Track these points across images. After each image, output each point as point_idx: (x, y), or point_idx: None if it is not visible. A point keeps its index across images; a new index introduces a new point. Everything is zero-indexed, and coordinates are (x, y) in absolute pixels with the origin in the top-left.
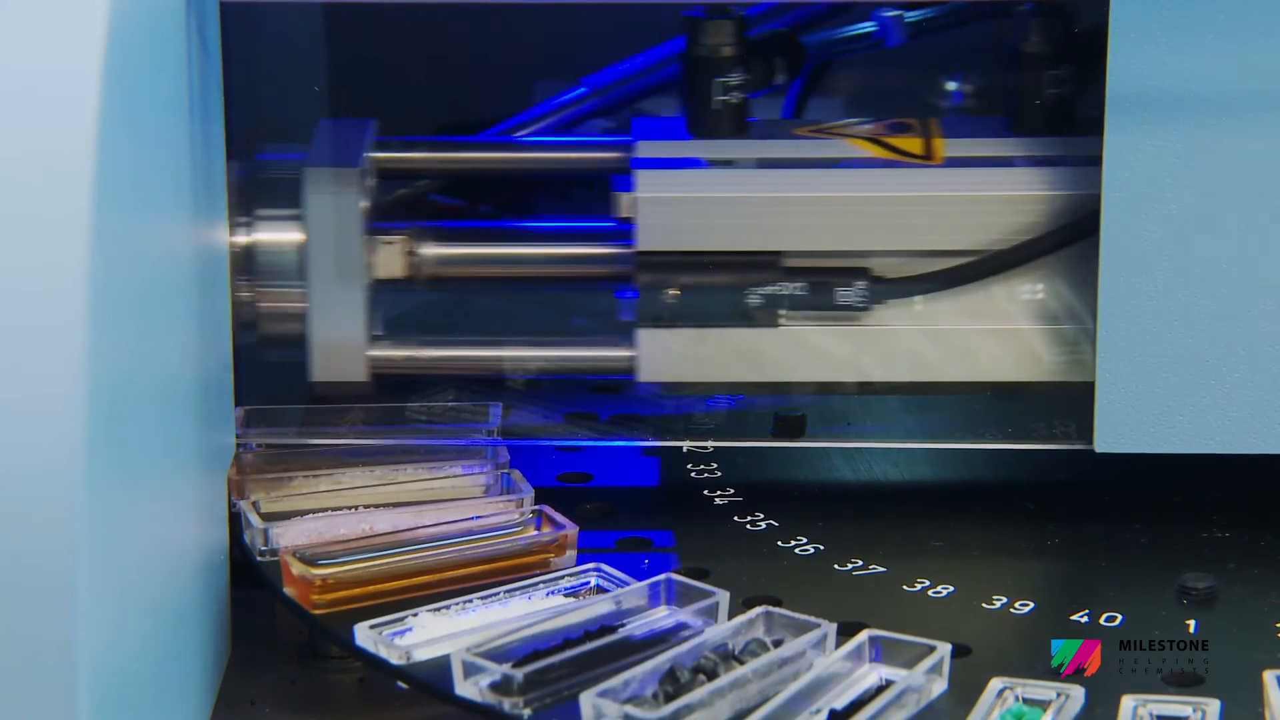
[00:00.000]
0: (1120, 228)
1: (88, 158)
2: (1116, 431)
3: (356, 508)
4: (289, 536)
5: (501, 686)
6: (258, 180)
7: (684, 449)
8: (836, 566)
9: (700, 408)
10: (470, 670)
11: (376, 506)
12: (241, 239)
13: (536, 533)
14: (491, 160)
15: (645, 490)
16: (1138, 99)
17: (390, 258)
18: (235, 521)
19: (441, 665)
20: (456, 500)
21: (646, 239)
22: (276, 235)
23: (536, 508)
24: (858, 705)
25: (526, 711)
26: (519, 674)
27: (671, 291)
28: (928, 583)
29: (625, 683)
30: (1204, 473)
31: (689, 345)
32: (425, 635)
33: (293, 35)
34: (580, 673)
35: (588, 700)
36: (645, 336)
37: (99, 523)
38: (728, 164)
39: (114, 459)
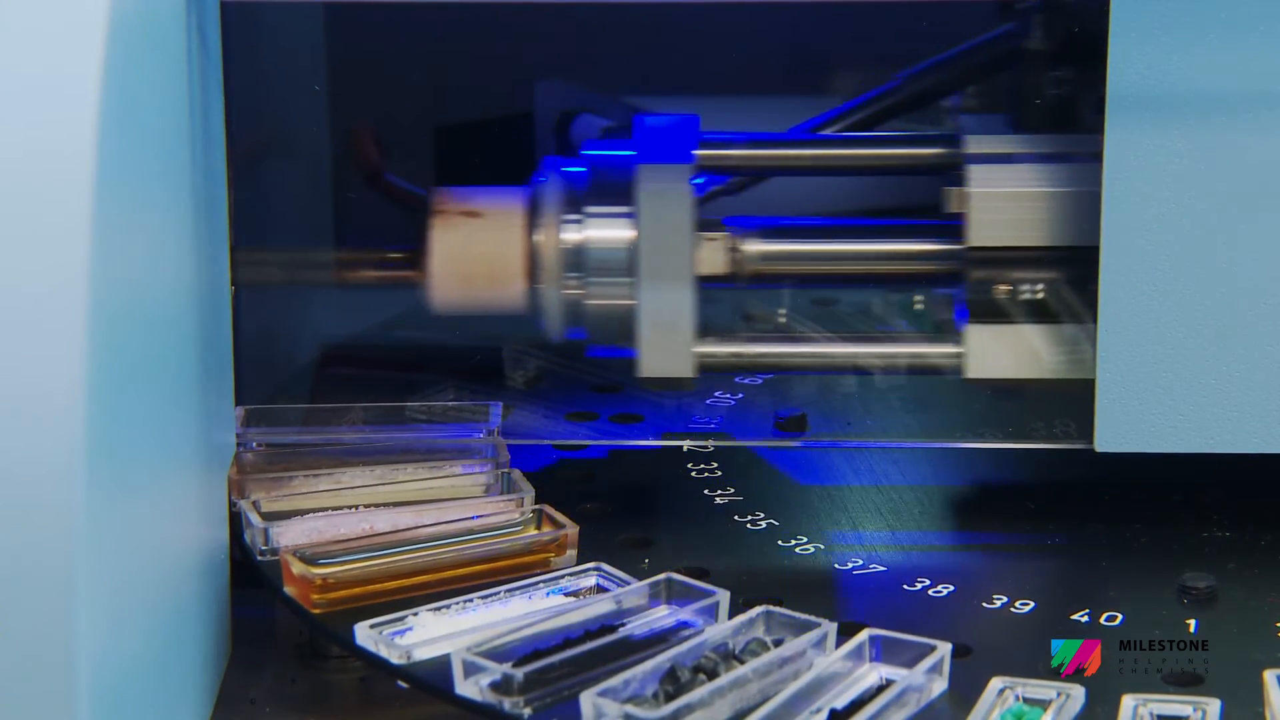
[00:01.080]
0: (1120, 228)
1: (88, 157)
2: (1116, 431)
3: (357, 507)
4: (289, 536)
5: (502, 686)
6: (586, 178)
7: (684, 448)
8: (837, 566)
9: (700, 407)
10: (470, 669)
11: (377, 506)
12: (572, 236)
13: (536, 532)
14: (814, 157)
15: (645, 490)
16: (1138, 99)
17: (713, 254)
18: (235, 521)
19: (442, 664)
20: (456, 500)
21: (978, 234)
22: (607, 232)
23: (536, 507)
24: (858, 705)
25: (527, 711)
26: (519, 673)
27: (1002, 287)
28: (928, 583)
29: (625, 682)
30: (1204, 473)
31: (1018, 342)
32: (425, 635)
33: (293, 35)
34: (580, 672)
35: (588, 700)
36: (974, 333)
37: (99, 522)
38: (1059, 158)
39: (114, 458)
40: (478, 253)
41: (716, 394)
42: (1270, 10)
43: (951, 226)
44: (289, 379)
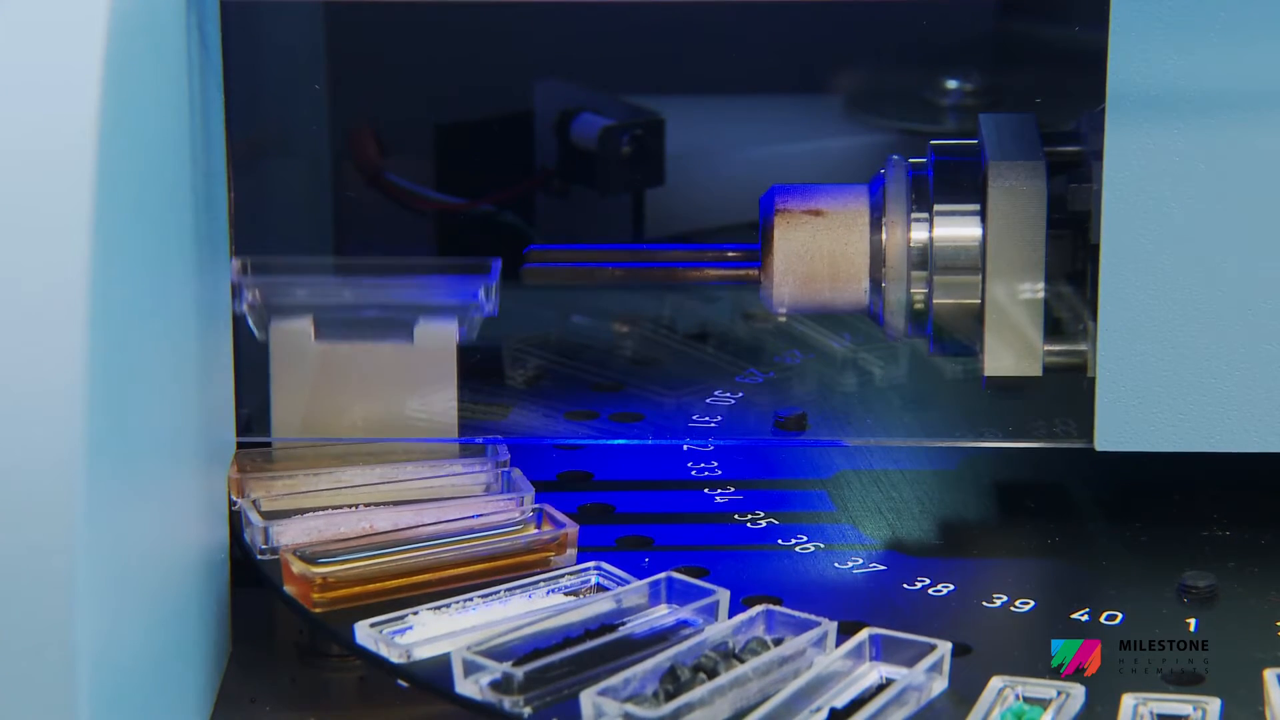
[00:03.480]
0: (1120, 228)
1: (88, 157)
2: (1116, 430)
3: (357, 506)
4: (289, 535)
5: (502, 685)
6: (934, 176)
7: (684, 447)
8: (836, 565)
9: (700, 407)
10: (470, 668)
11: (377, 505)
12: (920, 234)
13: (537, 531)
14: None
15: (645, 489)
16: (1138, 99)
17: (1058, 252)
18: (235, 520)
19: (442, 663)
20: (457, 499)
21: None
22: (955, 230)
23: (536, 506)
24: (858, 704)
25: (527, 710)
26: (519, 672)
27: None
28: (928, 582)
29: (625, 681)
30: (1204, 472)
31: None
32: (426, 633)
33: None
34: (580, 671)
35: (588, 699)
36: None
37: (99, 521)
38: None
39: (114, 457)
40: (821, 252)
41: (716, 394)
42: (1270, 10)
43: None
44: None
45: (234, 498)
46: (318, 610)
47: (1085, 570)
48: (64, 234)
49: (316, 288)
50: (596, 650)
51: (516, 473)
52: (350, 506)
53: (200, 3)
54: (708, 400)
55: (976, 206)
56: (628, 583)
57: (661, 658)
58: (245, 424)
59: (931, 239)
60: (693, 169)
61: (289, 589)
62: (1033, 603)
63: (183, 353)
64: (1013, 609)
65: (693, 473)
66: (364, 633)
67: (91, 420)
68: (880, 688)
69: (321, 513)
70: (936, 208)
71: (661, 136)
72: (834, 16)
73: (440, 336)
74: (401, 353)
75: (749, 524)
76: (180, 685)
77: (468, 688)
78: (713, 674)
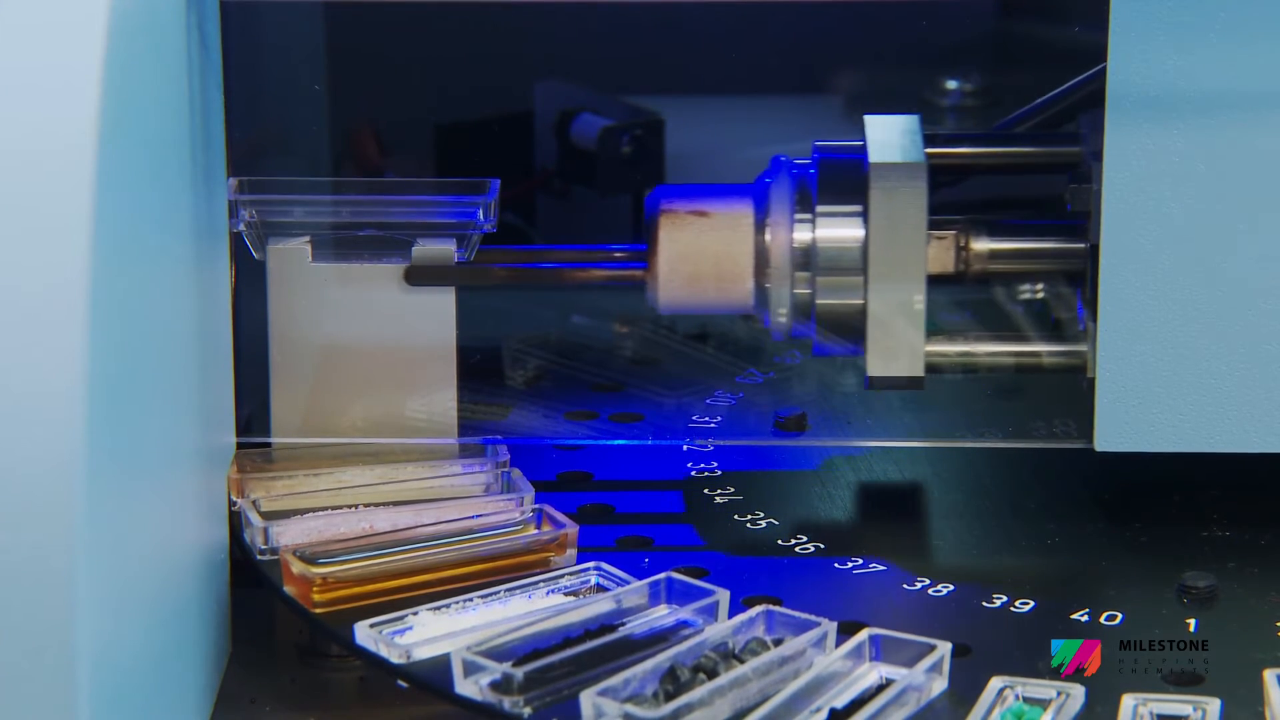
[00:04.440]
0: (1120, 228)
1: (88, 157)
2: (1116, 431)
3: (356, 506)
4: (289, 535)
5: (502, 685)
6: (819, 177)
7: (684, 447)
8: (836, 566)
9: (700, 407)
10: (470, 669)
11: (376, 505)
12: (803, 235)
13: (536, 531)
14: (1044, 154)
15: (645, 489)
16: (1138, 99)
17: (942, 253)
18: (235, 520)
19: (442, 664)
20: (456, 499)
21: None
22: (838, 231)
23: (536, 506)
24: (858, 704)
25: (527, 710)
26: (519, 672)
27: None
28: (928, 582)
29: (625, 681)
30: (1204, 472)
31: None
32: (425, 634)
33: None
34: (580, 671)
35: (588, 699)
36: None
37: (99, 521)
38: None
39: (114, 458)
40: (706, 252)
41: (716, 394)
42: (1270, 10)
43: None
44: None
45: (234, 498)
46: (318, 610)
47: (1085, 570)
48: (64, 234)
49: (313, 207)
50: (596, 650)
51: (516, 473)
52: (350, 507)
53: (200, 3)
54: (708, 400)
55: (859, 208)
56: (628, 583)
57: (661, 658)
58: (245, 424)
59: (814, 240)
60: (693, 169)
61: (289, 589)
62: (1033, 603)
63: (183, 353)
64: (1013, 609)
65: (693, 473)
66: (364, 633)
67: (91, 420)
68: (880, 688)
69: (321, 513)
70: (819, 209)
71: (661, 136)
72: (834, 16)
73: (438, 255)
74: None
75: (749, 524)
76: (180, 685)
77: (468, 688)
78: (713, 674)
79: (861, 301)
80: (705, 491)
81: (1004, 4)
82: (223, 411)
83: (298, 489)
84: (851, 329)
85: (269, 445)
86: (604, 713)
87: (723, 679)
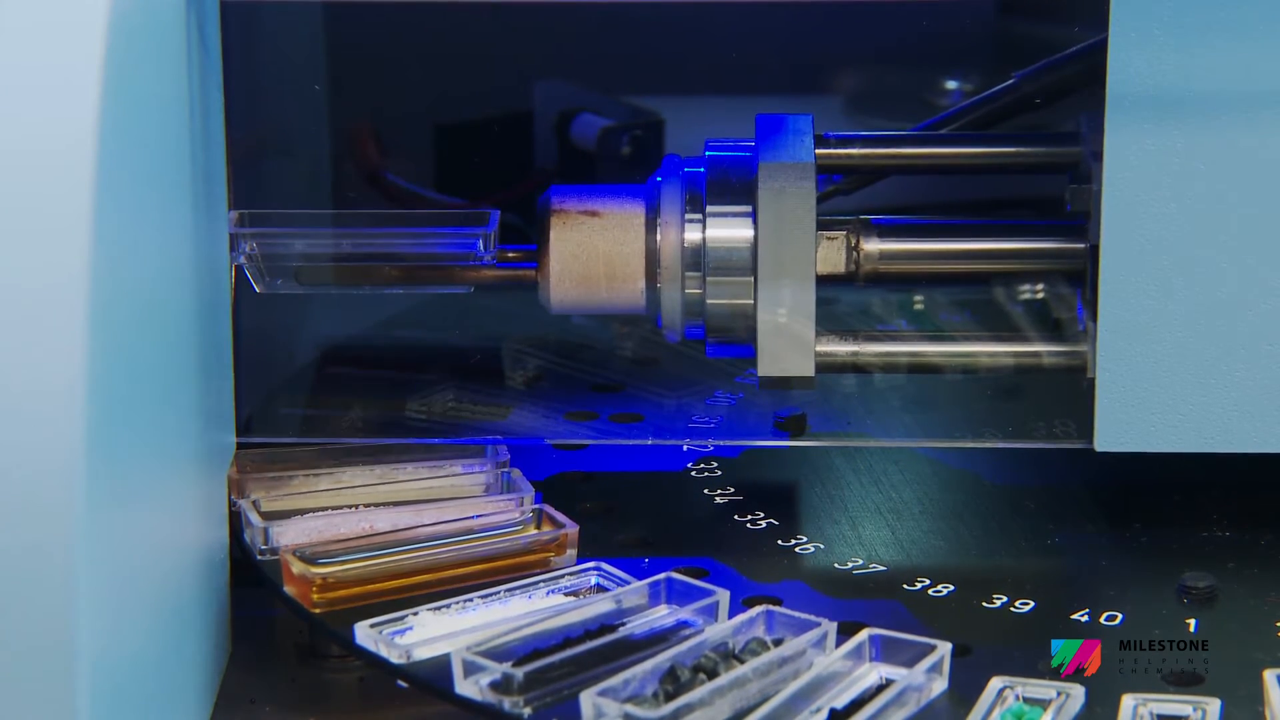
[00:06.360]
0: (1120, 228)
1: (88, 157)
2: (1116, 431)
3: (356, 506)
4: (289, 535)
5: (502, 685)
6: (707, 177)
7: (684, 447)
8: (836, 566)
9: (700, 407)
10: (470, 669)
11: (376, 505)
12: (693, 235)
13: (536, 531)
14: (934, 156)
15: (645, 489)
16: (1138, 99)
17: (833, 253)
18: (235, 520)
19: (442, 664)
20: (456, 499)
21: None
22: (728, 231)
23: (536, 506)
24: (858, 704)
25: (527, 710)
26: (519, 673)
27: None
28: (928, 582)
29: (625, 681)
30: (1204, 472)
31: None
32: (425, 634)
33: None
34: (580, 671)
35: (588, 699)
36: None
37: (99, 522)
38: None
39: (114, 458)
40: (597, 252)
41: (717, 394)
42: (1270, 10)
43: (1074, 225)
44: (289, 379)
45: (234, 498)
46: (318, 610)
47: (1085, 570)
48: (64, 234)
49: (314, 239)
50: (596, 651)
51: (516, 473)
52: (350, 507)
53: (200, 3)
54: (708, 400)
55: (749, 208)
56: (627, 583)
57: (661, 658)
58: (245, 424)
59: (704, 240)
60: None
61: (289, 589)
62: (1033, 603)
63: (183, 353)
64: (1013, 609)
65: (693, 473)
66: (364, 633)
67: (91, 420)
68: (880, 688)
69: (321, 513)
70: (709, 209)
71: (661, 136)
72: (834, 16)
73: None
74: None
75: (749, 524)
76: (180, 685)
77: (468, 688)
78: (713, 674)
79: (752, 302)
80: (705, 492)
81: (1004, 4)
82: (223, 411)
83: (298, 489)
84: (743, 329)
85: (269, 445)
86: (604, 713)
87: (723, 679)
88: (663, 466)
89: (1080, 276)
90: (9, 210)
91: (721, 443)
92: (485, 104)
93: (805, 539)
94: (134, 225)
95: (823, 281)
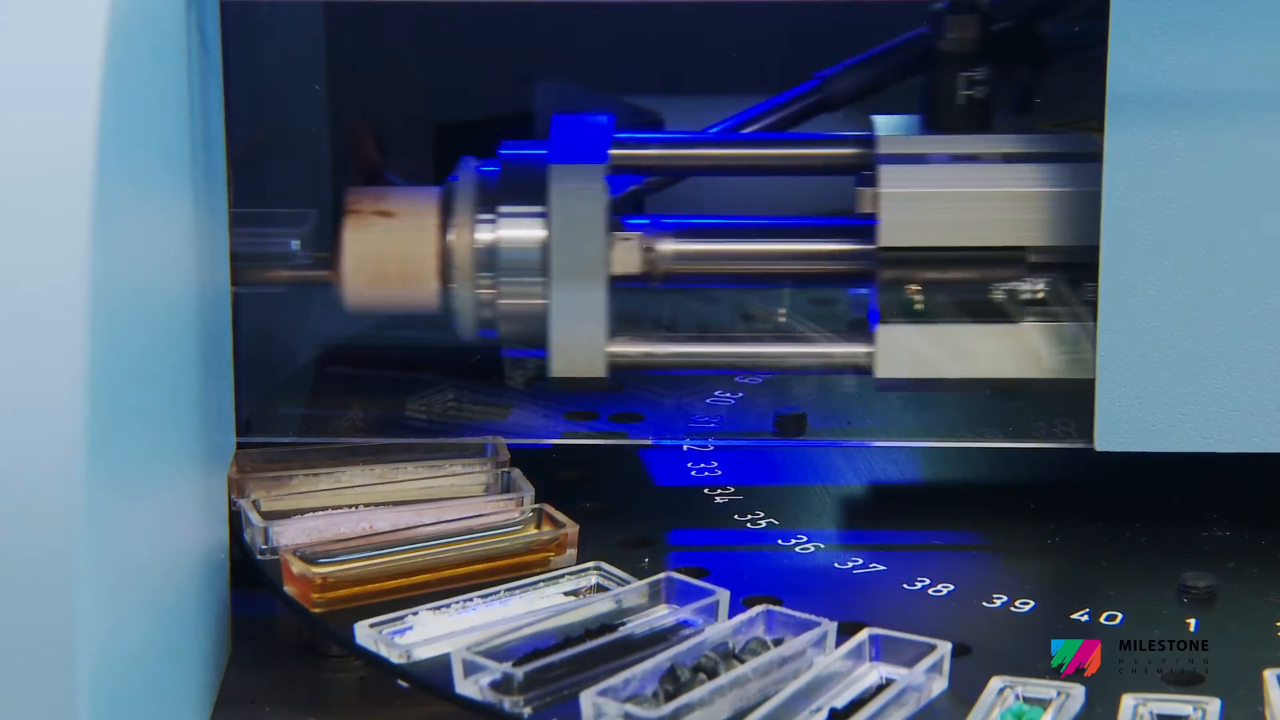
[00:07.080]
0: (1120, 228)
1: (88, 156)
2: (1116, 431)
3: (356, 506)
4: (289, 535)
5: (502, 685)
6: (500, 177)
7: (684, 447)
8: (836, 566)
9: (700, 407)
10: (470, 669)
11: (376, 505)
12: (485, 236)
13: (536, 531)
14: (729, 156)
15: (645, 489)
16: (1138, 99)
17: (627, 254)
18: (235, 520)
19: (442, 664)
20: (456, 499)
21: (889, 235)
22: (519, 232)
23: (536, 506)
24: (858, 704)
25: (527, 710)
26: (519, 672)
27: (913, 287)
28: (928, 582)
29: (625, 681)
30: (1204, 472)
31: (930, 342)
32: (425, 634)
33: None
34: (580, 671)
35: (588, 699)
36: (885, 333)
37: (99, 521)
38: (972, 159)
39: (114, 458)
40: (390, 252)
41: (717, 394)
42: (1270, 10)
43: (865, 226)
44: (289, 379)
45: (234, 498)
46: (318, 610)
47: (1085, 570)
48: (64, 234)
49: None
50: (596, 650)
51: (516, 473)
52: (350, 507)
53: (200, 3)
54: (708, 400)
55: (541, 209)
56: (627, 583)
57: (661, 658)
58: (245, 424)
59: (496, 241)
60: None
61: (289, 589)
62: (1033, 603)
63: (183, 353)
64: (1013, 609)
65: (693, 473)
66: (364, 633)
67: (91, 420)
68: (880, 688)
69: (321, 513)
70: (501, 209)
71: None
72: (834, 16)
73: None
74: None
75: (749, 524)
76: (180, 685)
77: (468, 688)
78: (713, 674)
79: (544, 302)
80: (705, 492)
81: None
82: (223, 411)
83: (298, 489)
84: (535, 330)
85: (269, 445)
86: (604, 713)
87: (723, 679)
88: (662, 466)
89: (871, 277)
90: (9, 210)
91: (722, 443)
92: (485, 104)
93: (805, 539)
94: (134, 225)
95: (618, 282)
